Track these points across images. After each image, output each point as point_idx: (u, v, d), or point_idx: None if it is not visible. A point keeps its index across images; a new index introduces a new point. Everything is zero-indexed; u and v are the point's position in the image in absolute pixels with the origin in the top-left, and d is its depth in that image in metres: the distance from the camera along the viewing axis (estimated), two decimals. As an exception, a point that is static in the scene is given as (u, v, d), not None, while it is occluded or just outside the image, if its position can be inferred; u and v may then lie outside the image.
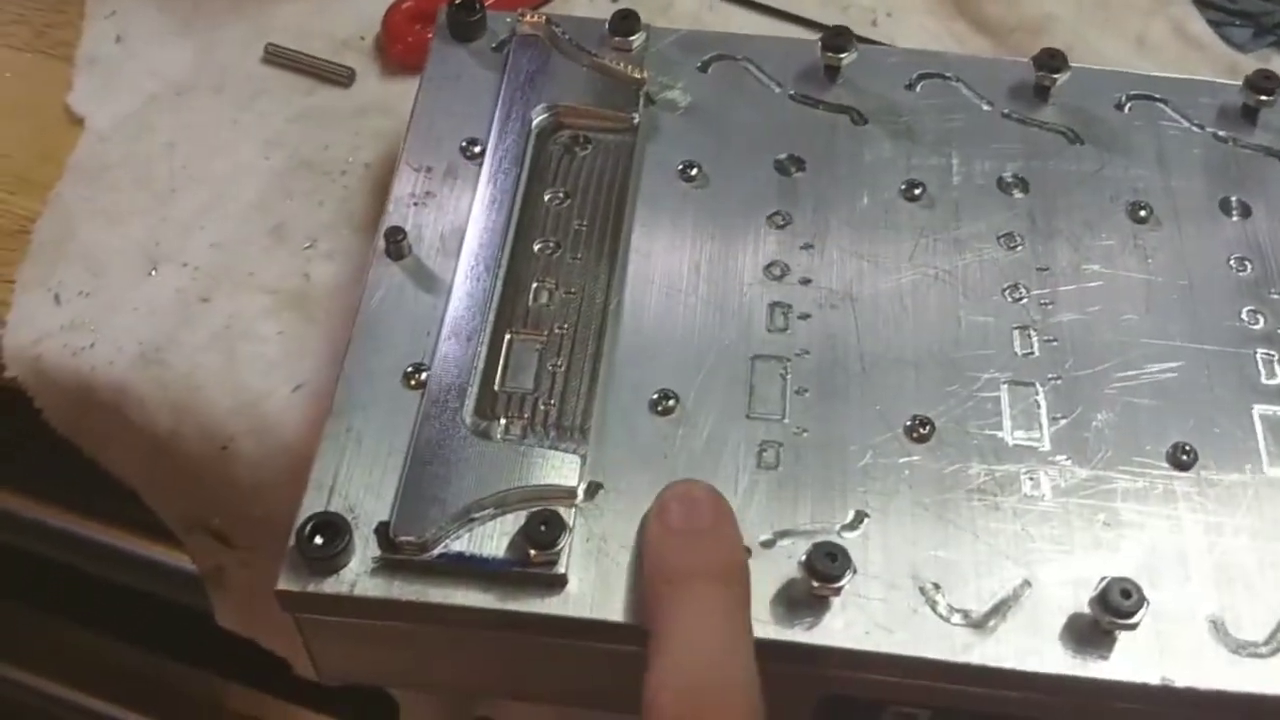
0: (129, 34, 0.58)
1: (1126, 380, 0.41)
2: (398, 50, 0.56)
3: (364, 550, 0.36)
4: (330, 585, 0.35)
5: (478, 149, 0.45)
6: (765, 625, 0.36)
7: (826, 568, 0.35)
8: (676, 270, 0.43)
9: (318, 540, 0.35)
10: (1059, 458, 0.39)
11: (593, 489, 0.38)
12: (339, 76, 0.56)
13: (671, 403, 0.40)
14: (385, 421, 0.38)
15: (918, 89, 0.48)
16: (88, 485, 0.53)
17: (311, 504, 0.36)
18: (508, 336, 0.40)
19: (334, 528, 0.35)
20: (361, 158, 0.53)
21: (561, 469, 0.37)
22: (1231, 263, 0.44)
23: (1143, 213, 0.45)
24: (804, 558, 0.35)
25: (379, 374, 0.39)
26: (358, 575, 0.35)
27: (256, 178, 0.53)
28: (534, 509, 0.36)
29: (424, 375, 0.39)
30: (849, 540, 0.37)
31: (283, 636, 0.54)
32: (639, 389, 0.40)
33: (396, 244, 0.42)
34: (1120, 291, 0.43)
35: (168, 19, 0.58)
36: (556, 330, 0.41)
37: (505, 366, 0.40)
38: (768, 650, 0.35)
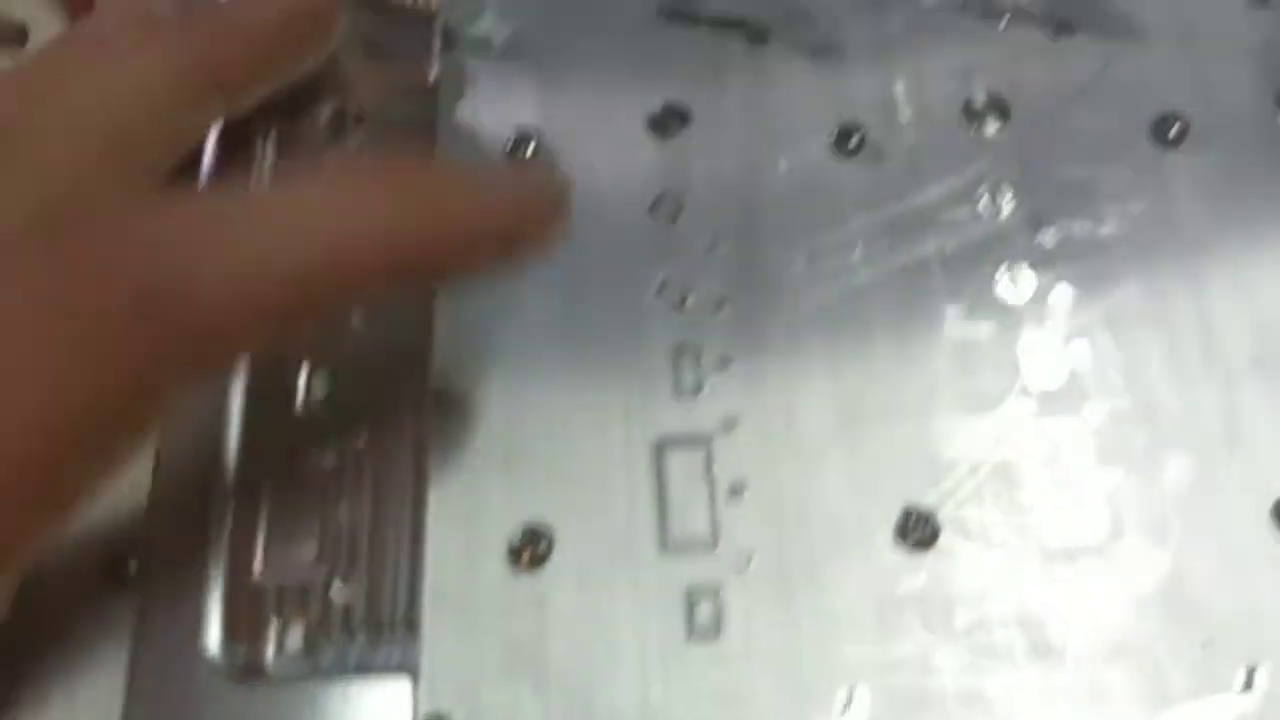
0: None
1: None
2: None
3: None
4: None
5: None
6: None
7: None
8: (521, 317, 0.28)
9: None
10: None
11: (435, 729, 0.23)
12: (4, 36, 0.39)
13: (543, 545, 0.26)
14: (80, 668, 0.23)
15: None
16: None
17: None
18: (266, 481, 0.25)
19: None
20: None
21: (378, 708, 0.23)
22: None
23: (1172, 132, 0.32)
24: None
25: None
26: None
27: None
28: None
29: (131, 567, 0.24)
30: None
31: None
32: (487, 529, 0.26)
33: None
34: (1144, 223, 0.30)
35: None
36: (348, 451, 0.26)
37: (268, 533, 0.25)
38: None
